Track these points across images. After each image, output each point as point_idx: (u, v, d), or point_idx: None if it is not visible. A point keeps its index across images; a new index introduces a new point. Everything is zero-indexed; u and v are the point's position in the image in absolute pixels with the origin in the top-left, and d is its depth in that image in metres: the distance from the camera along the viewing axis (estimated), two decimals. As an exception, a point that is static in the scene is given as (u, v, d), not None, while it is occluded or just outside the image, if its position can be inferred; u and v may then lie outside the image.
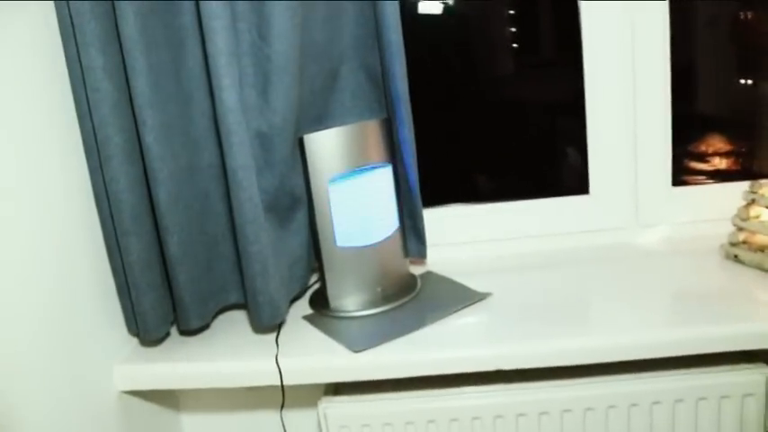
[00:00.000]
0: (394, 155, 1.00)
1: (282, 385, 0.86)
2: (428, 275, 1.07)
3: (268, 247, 0.89)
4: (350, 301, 0.98)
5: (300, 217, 0.98)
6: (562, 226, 1.13)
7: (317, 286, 1.06)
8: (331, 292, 0.97)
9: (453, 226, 1.14)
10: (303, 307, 1.01)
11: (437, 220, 1.13)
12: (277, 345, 0.89)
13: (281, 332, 0.93)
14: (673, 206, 1.12)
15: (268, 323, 0.91)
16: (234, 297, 0.97)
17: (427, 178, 1.03)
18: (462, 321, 0.91)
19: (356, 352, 0.85)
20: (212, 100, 0.85)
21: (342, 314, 0.96)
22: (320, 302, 1.00)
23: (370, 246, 0.98)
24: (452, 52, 1.13)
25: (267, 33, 0.87)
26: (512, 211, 1.14)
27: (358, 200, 0.96)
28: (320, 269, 0.97)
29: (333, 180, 0.93)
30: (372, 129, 0.97)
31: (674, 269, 1.00)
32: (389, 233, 1.00)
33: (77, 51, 0.81)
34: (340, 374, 0.87)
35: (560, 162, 1.17)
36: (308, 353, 0.87)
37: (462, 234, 1.14)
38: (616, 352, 0.83)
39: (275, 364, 0.85)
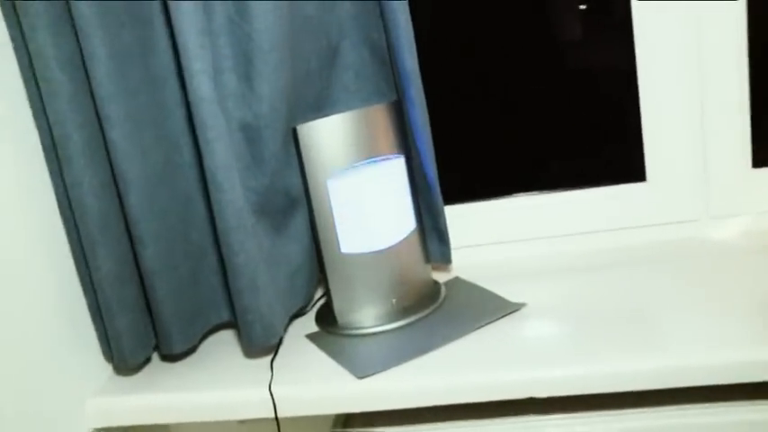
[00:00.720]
0: (407, 144, 0.93)
1: (277, 418, 0.80)
2: (455, 283, 1.00)
3: (258, 257, 0.83)
4: (360, 316, 0.91)
5: (299, 220, 0.92)
6: (614, 220, 1.04)
7: (324, 299, 1.00)
8: (337, 306, 0.91)
9: (484, 224, 1.07)
10: (308, 323, 0.95)
11: (465, 217, 1.07)
12: (272, 370, 0.84)
13: (279, 354, 0.88)
14: (753, 192, 1.00)
15: (259, 345, 0.85)
16: (226, 315, 0.93)
17: (452, 169, 0.99)
18: (490, 338, 0.84)
19: (360, 378, 0.79)
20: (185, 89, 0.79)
21: (350, 332, 0.90)
22: (326, 318, 0.94)
23: (382, 251, 0.91)
24: (512, 15, 1.06)
25: (245, 9, 0.80)
26: (554, 204, 1.06)
27: (365, 198, 0.90)
28: (324, 280, 0.91)
29: (333, 176, 0.87)
30: (380, 114, 0.90)
31: (756, 270, 0.89)
32: (405, 235, 0.93)
33: (22, 35, 0.76)
34: (342, 405, 0.80)
35: (621, 143, 1.07)
36: (306, 379, 0.81)
37: (495, 233, 1.07)
38: (684, 376, 0.74)
39: (268, 393, 0.79)
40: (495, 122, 1.10)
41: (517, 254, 1.07)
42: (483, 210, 1.08)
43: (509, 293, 0.93)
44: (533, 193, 1.07)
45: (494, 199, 1.08)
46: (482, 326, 0.86)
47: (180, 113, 0.86)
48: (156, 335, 0.88)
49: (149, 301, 0.85)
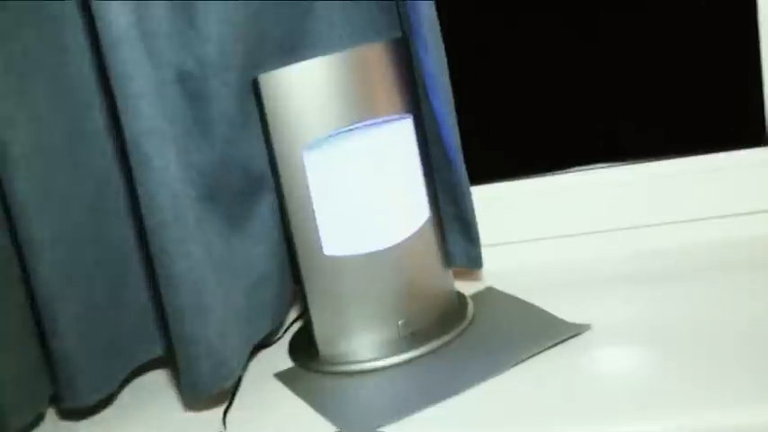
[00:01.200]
0: (417, 100, 0.85)
1: (231, 500, 0.66)
2: (487, 296, 0.92)
3: (205, 264, 0.74)
4: (351, 345, 0.83)
5: (263, 210, 0.84)
6: (718, 203, 0.94)
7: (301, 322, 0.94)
8: (319, 331, 0.82)
9: (527, 212, 0.99)
10: (278, 357, 0.87)
11: (499, 203, 0.98)
12: (224, 426, 0.73)
13: (235, 404, 0.78)
14: None
15: (207, 390, 0.75)
16: (158, 348, 0.85)
17: (480, 136, 0.94)
18: (539, 376, 0.74)
19: (354, 438, 0.69)
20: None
21: (338, 368, 0.81)
22: (304, 349, 0.86)
23: (382, 252, 0.82)
24: None
25: None
26: (628, 182, 0.97)
27: (356, 178, 0.82)
28: (301, 294, 0.83)
29: (311, 146, 0.78)
30: (378, 57, 0.81)
31: None
32: (415, 229, 0.84)
33: None
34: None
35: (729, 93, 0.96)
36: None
37: (544, 225, 0.99)
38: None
39: (218, 464, 0.66)
40: (541, 67, 1.01)
41: (575, 253, 0.98)
42: (526, 192, 0.99)
43: (564, 311, 0.84)
44: (598, 165, 0.98)
45: (541, 176, 0.99)
46: (527, 358, 0.77)
47: (88, 60, 0.77)
48: (54, 381, 0.77)
49: (45, 331, 0.75)
